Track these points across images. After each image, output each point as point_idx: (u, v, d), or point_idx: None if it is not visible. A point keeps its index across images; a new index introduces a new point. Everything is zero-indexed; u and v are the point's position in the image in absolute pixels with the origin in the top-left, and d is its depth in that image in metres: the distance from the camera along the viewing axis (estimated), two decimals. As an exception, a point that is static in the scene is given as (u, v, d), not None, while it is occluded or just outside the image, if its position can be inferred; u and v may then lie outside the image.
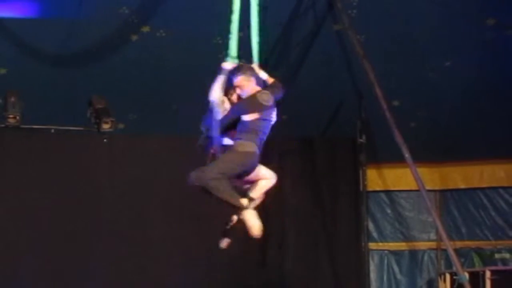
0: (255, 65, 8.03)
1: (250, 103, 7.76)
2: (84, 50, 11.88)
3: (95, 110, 11.92)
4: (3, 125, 11.60)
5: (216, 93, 7.78)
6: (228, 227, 7.99)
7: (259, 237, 7.59)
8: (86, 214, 11.91)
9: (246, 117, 7.66)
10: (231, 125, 7.71)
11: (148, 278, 12.06)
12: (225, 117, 7.76)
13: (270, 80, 8.05)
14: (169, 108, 12.74)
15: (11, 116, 11.53)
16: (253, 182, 7.83)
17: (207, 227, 12.21)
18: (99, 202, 12.02)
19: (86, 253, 11.85)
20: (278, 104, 7.94)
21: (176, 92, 12.52)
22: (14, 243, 11.62)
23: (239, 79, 7.93)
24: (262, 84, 7.94)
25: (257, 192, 7.82)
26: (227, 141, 7.78)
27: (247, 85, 7.90)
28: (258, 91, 7.79)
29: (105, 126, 11.86)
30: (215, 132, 7.69)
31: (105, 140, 12.03)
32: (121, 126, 12.43)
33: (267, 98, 7.72)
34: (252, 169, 7.64)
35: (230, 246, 8.05)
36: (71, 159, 12.03)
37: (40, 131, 11.93)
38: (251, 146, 7.55)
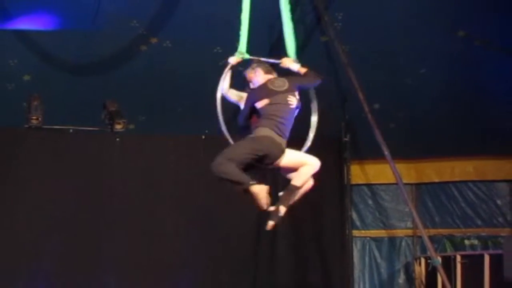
0: (286, 59, 7.75)
1: (259, 90, 7.43)
2: (99, 59, 11.95)
3: (109, 112, 11.97)
4: (26, 126, 11.64)
5: (223, 86, 7.66)
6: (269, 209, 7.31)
7: (266, 210, 7.15)
8: (100, 205, 11.88)
9: (258, 105, 7.31)
10: (251, 114, 7.42)
11: (156, 263, 12.03)
12: (243, 108, 7.46)
13: (303, 71, 7.68)
14: (175, 111, 12.77)
15: (34, 117, 11.57)
16: (294, 170, 7.37)
17: (209, 217, 12.27)
18: (112, 194, 11.98)
19: (100, 240, 11.82)
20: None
21: (180, 96, 12.55)
22: (36, 232, 11.59)
23: (246, 73, 7.72)
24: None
25: (299, 179, 7.35)
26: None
27: (254, 76, 7.65)
28: (269, 79, 7.52)
29: (118, 127, 11.90)
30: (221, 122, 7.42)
31: (117, 139, 12.07)
32: (131, 126, 12.41)
33: (278, 84, 7.40)
34: (274, 154, 7.24)
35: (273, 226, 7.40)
36: (87, 156, 11.99)
37: (59, 131, 11.95)
38: (266, 131, 7.18)
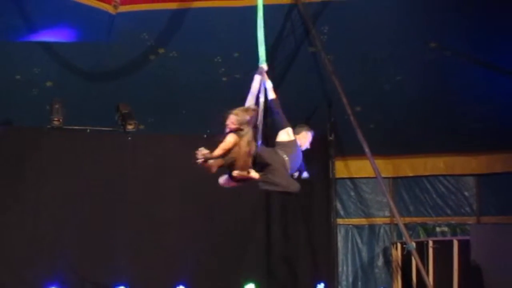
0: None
1: None
2: (113, 67, 12.03)
3: (121, 114, 12.05)
4: (49, 126, 11.73)
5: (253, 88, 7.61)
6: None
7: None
8: (114, 196, 11.91)
9: None
10: None
11: (163, 246, 12.10)
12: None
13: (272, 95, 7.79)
14: (180, 113, 12.83)
15: (55, 119, 11.65)
16: None
17: (210, 207, 12.31)
18: (124, 187, 12.02)
19: (114, 226, 11.87)
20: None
21: (185, 100, 12.59)
22: (58, 220, 11.66)
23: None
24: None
25: None
26: None
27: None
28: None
29: (129, 127, 11.96)
30: None
31: (129, 138, 12.11)
32: (142, 127, 12.45)
33: None
34: None
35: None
36: (102, 153, 12.06)
37: (78, 131, 12.00)
38: None
